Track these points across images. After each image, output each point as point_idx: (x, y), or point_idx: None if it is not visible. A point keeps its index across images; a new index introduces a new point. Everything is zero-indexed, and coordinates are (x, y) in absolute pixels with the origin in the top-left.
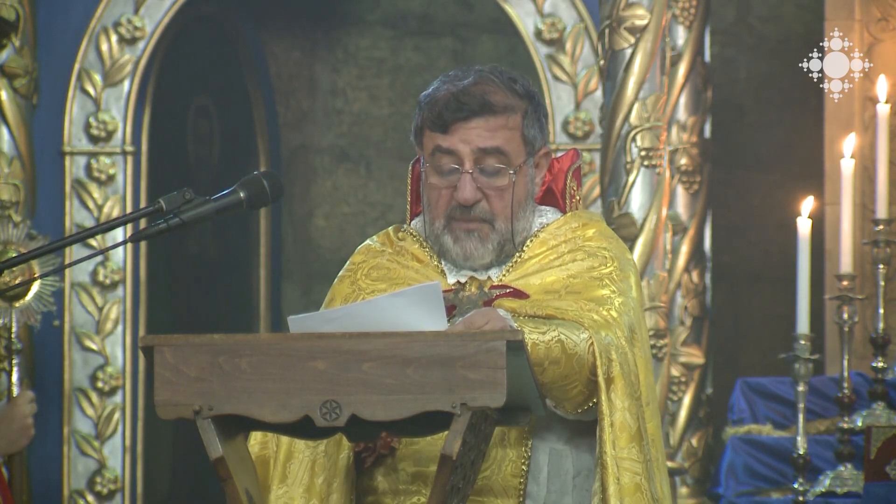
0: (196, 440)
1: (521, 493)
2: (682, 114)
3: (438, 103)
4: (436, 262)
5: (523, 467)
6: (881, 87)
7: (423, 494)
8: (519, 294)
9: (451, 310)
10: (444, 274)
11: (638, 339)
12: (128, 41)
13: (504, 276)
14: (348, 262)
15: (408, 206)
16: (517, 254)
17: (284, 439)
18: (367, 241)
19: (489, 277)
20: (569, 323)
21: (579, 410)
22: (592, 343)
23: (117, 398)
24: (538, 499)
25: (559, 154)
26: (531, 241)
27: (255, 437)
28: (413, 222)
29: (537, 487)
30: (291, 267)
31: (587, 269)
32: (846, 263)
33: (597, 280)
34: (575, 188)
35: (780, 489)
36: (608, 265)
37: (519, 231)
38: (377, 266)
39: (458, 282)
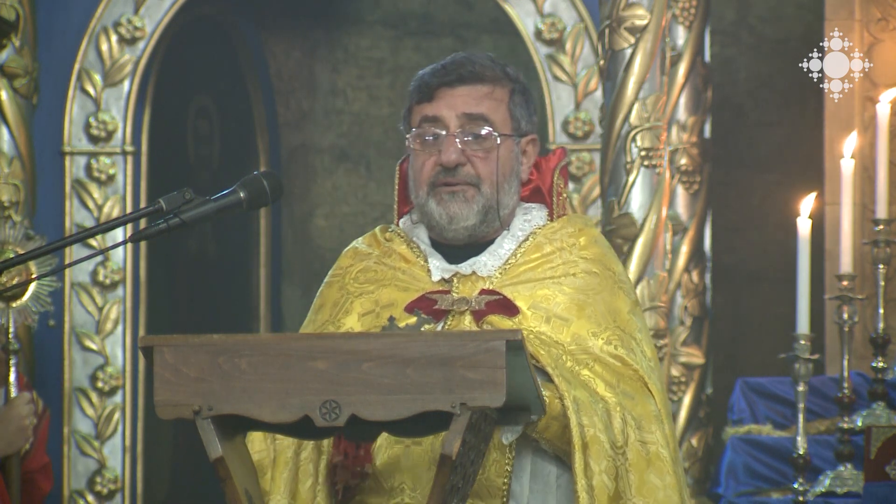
0: (196, 440)
1: (505, 493)
2: (682, 114)
3: (425, 76)
4: (422, 262)
5: (507, 468)
6: (886, 94)
7: (411, 488)
8: (509, 306)
9: (443, 314)
10: (430, 272)
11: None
12: (128, 41)
13: (497, 277)
14: (335, 267)
15: (395, 207)
16: (510, 257)
17: (278, 447)
18: (354, 244)
19: (474, 272)
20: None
21: None
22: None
23: (117, 398)
24: (521, 499)
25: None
26: (525, 243)
27: (253, 446)
28: (400, 222)
29: (520, 488)
30: (291, 267)
31: (581, 288)
32: (846, 263)
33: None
34: (562, 185)
35: (780, 489)
36: (599, 287)
37: (505, 204)
38: (365, 269)
39: (443, 279)
